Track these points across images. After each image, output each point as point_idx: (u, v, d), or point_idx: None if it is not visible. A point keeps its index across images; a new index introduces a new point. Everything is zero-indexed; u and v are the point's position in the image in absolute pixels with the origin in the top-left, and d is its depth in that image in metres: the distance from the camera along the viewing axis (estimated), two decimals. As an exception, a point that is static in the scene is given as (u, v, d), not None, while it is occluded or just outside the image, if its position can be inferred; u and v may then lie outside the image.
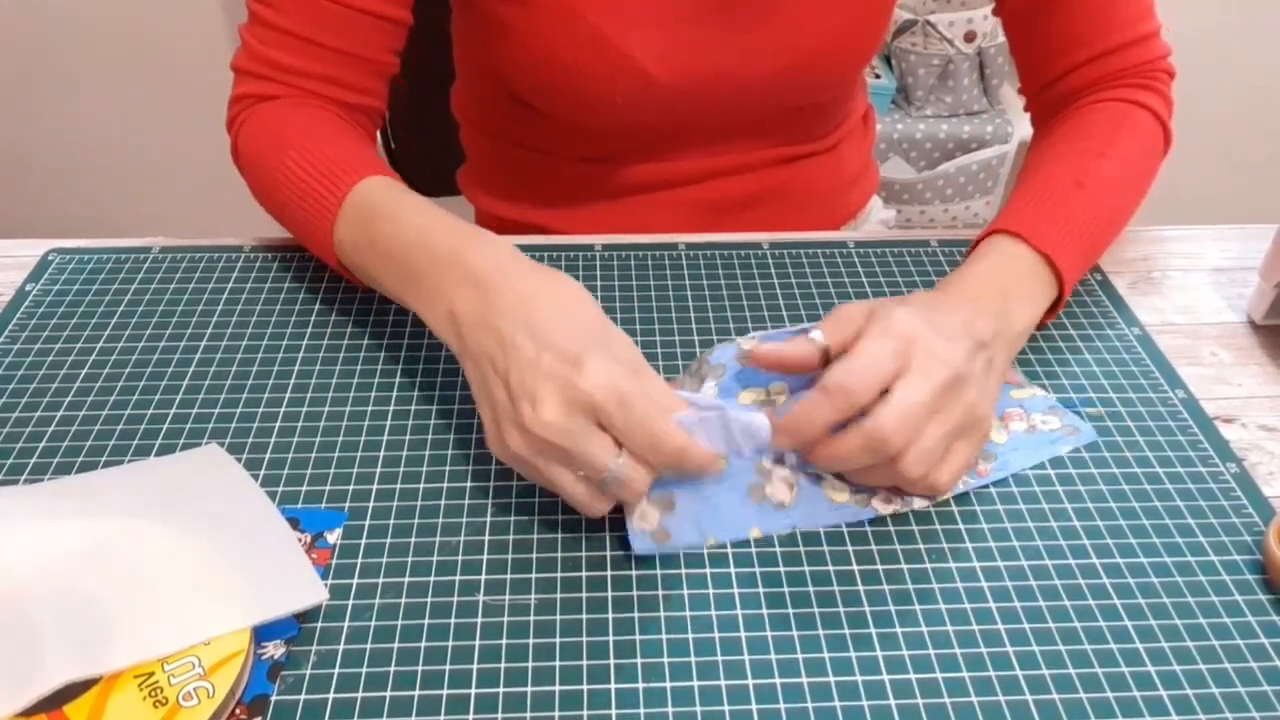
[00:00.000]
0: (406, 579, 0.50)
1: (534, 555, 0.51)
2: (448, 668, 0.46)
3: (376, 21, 0.70)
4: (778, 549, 0.52)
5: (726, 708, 0.45)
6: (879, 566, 0.51)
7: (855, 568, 0.51)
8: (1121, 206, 0.68)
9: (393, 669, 0.46)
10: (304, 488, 0.55)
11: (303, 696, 0.45)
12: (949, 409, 0.51)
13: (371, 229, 0.60)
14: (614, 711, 0.44)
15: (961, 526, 0.53)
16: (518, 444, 0.49)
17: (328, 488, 0.55)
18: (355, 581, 0.50)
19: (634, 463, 0.48)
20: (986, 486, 0.55)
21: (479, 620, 0.48)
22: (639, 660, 0.46)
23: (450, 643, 0.47)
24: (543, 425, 0.47)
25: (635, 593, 0.49)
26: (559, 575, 0.50)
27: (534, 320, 0.50)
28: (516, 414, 0.48)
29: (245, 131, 0.70)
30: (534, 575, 0.50)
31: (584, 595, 0.49)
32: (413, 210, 0.59)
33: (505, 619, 0.48)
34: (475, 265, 0.53)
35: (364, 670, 0.46)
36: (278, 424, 0.58)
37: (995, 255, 0.61)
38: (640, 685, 0.45)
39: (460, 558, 0.51)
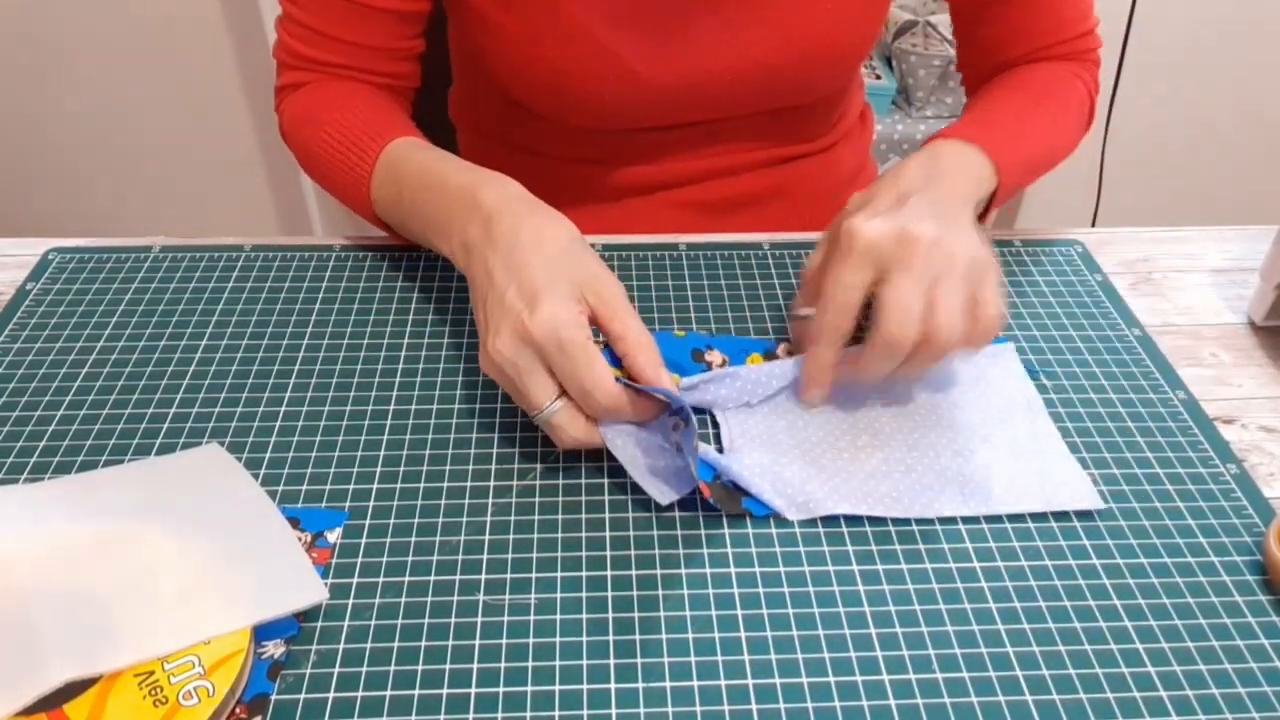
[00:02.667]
0: (406, 579, 0.50)
1: (534, 555, 0.51)
2: (448, 668, 0.46)
3: (393, 15, 0.72)
4: (778, 549, 0.52)
5: (726, 708, 0.45)
6: (879, 567, 0.51)
7: (855, 568, 0.51)
8: (1056, 145, 0.73)
9: (393, 669, 0.46)
10: (304, 488, 0.55)
11: (303, 696, 0.45)
12: (942, 270, 0.54)
13: (399, 186, 0.65)
14: (614, 711, 0.44)
15: (961, 527, 0.53)
16: (484, 363, 0.54)
17: (328, 488, 0.55)
18: (355, 581, 0.50)
19: (571, 412, 0.53)
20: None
21: (479, 620, 0.48)
22: (639, 660, 0.46)
23: (450, 643, 0.47)
24: (496, 353, 0.52)
25: (635, 593, 0.49)
26: (559, 575, 0.50)
27: (516, 254, 0.54)
28: (484, 339, 0.54)
29: (287, 116, 0.76)
30: (534, 575, 0.50)
31: (584, 595, 0.49)
32: (433, 161, 0.64)
33: (505, 619, 0.48)
34: (483, 200, 0.58)
35: (364, 670, 0.46)
36: (278, 424, 0.58)
37: (920, 152, 0.64)
38: (640, 685, 0.45)
39: (460, 558, 0.51)
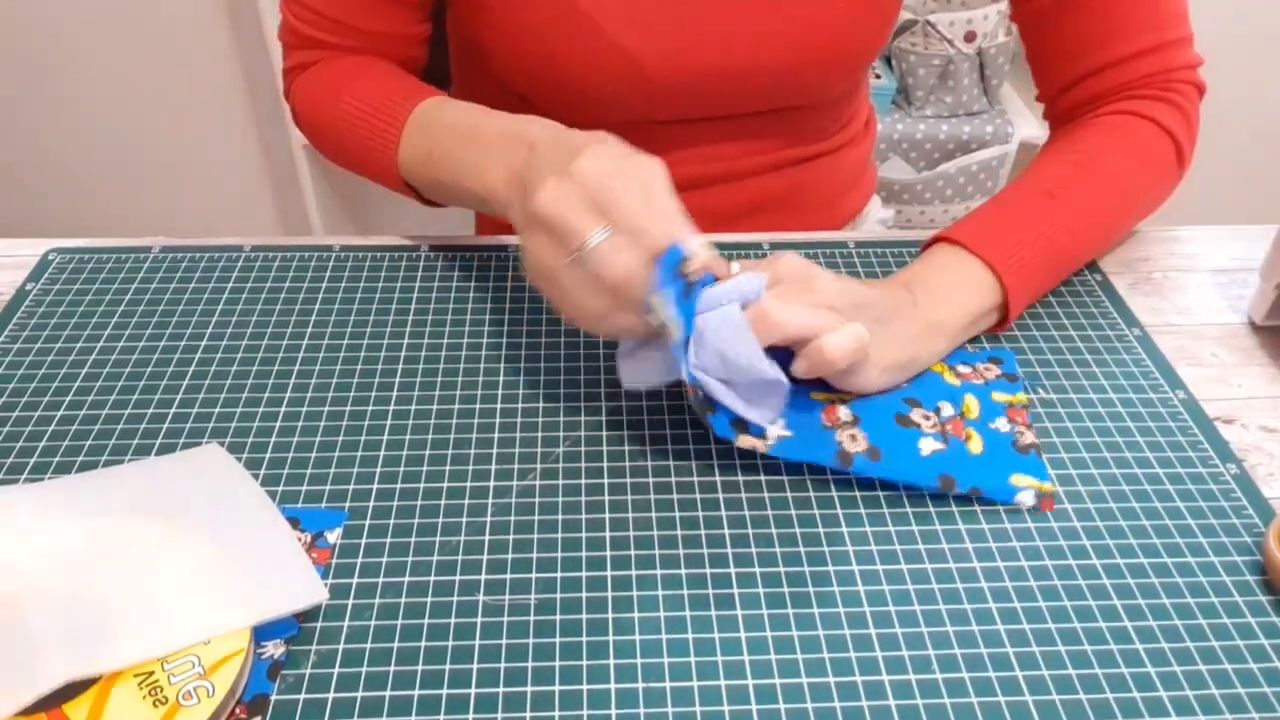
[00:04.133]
0: (406, 579, 0.50)
1: (534, 555, 0.51)
2: (448, 668, 0.46)
3: (399, 4, 0.73)
4: (778, 549, 0.52)
5: (726, 708, 0.45)
6: (879, 567, 0.51)
7: (855, 568, 0.51)
8: (1101, 220, 0.67)
9: (393, 669, 0.46)
10: (304, 488, 0.55)
11: (303, 696, 0.45)
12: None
13: (429, 140, 0.65)
14: (614, 711, 0.44)
15: (961, 526, 0.53)
16: (522, 233, 0.53)
17: (328, 488, 0.55)
18: (355, 581, 0.50)
19: (618, 246, 0.50)
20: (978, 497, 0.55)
21: (479, 620, 0.48)
22: (639, 660, 0.46)
23: (450, 643, 0.47)
24: (537, 204, 0.50)
25: (635, 593, 0.49)
26: (559, 575, 0.50)
27: (555, 147, 0.54)
28: (525, 209, 0.52)
29: (301, 95, 0.75)
30: (534, 575, 0.50)
31: (584, 595, 0.49)
32: (466, 111, 0.65)
33: (505, 619, 0.48)
34: (530, 133, 0.58)
35: (364, 670, 0.46)
36: (278, 424, 0.58)
37: (931, 259, 0.62)
38: (640, 685, 0.45)
39: (460, 558, 0.51)
